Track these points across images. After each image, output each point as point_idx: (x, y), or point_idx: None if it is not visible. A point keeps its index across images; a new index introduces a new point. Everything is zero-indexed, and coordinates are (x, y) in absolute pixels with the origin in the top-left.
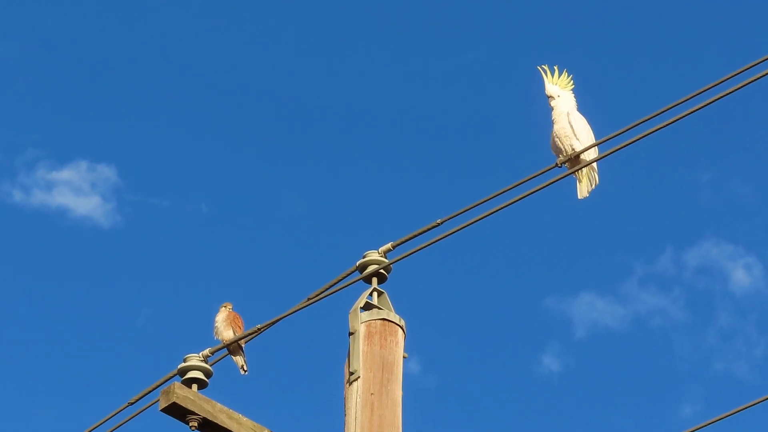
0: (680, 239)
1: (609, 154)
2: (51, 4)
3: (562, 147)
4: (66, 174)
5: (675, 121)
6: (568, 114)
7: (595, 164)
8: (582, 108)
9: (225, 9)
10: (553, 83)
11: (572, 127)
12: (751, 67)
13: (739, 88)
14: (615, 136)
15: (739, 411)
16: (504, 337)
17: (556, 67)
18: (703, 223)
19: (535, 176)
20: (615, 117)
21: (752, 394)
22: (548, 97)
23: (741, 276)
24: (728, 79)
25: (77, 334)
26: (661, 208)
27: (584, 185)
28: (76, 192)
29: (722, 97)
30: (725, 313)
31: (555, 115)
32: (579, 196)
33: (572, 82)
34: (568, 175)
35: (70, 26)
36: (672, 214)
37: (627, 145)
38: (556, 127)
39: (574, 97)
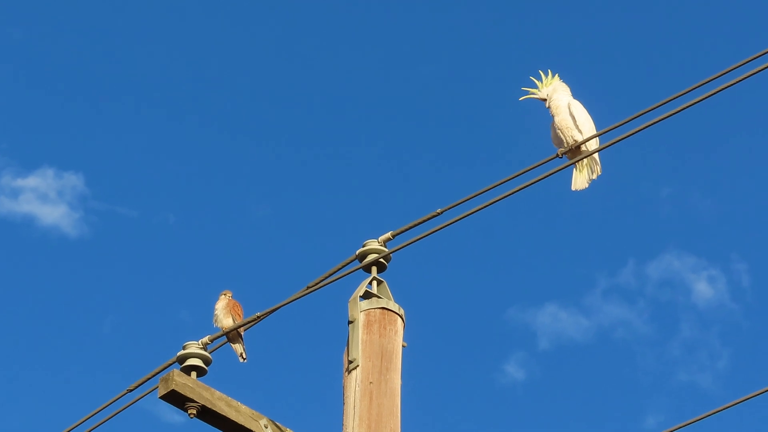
0: (642, 252)
1: (611, 145)
2: (17, 13)
3: (563, 138)
4: (32, 181)
5: (679, 111)
6: (568, 105)
7: (596, 154)
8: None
9: (193, 9)
10: (543, 88)
11: (573, 118)
12: (717, 77)
13: (700, 101)
14: (618, 126)
15: (702, 419)
16: (467, 343)
17: (540, 73)
18: (664, 236)
19: (536, 167)
20: (613, 108)
21: (716, 404)
22: (544, 101)
23: (704, 288)
24: (690, 90)
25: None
26: (622, 221)
27: (584, 175)
28: (42, 199)
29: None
30: (688, 324)
31: (554, 107)
32: (573, 187)
33: (556, 75)
34: (569, 165)
35: (35, 33)
36: (634, 227)
37: (630, 135)
38: (556, 119)
39: (566, 85)
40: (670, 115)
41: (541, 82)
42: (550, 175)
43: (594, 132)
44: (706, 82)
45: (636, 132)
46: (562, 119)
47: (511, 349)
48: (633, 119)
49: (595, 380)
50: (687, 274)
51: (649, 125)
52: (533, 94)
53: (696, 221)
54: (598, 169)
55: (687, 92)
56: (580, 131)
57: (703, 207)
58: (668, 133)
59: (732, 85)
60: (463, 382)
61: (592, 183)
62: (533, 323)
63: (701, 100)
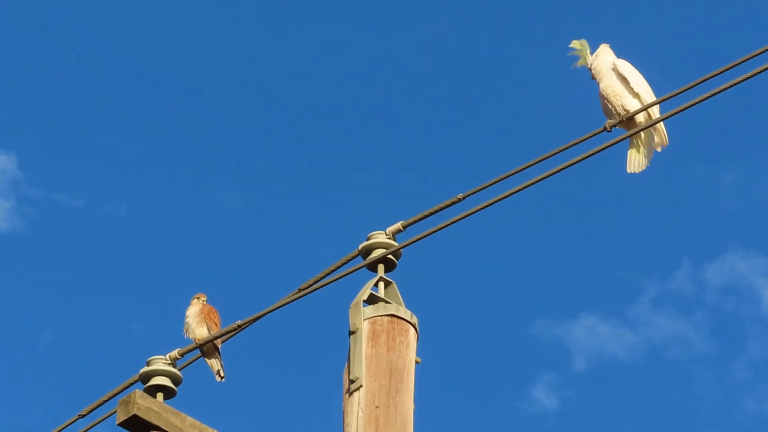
0: (700, 252)
1: (671, 116)
2: None
3: (612, 108)
4: None
5: (748, 78)
6: (614, 65)
7: (660, 123)
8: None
9: None
10: (587, 53)
11: (625, 80)
12: None
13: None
14: (678, 93)
15: None
16: (486, 363)
17: (582, 42)
18: (726, 232)
19: (575, 144)
20: (669, 74)
21: None
22: (590, 70)
23: None
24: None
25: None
26: (676, 214)
27: (641, 154)
28: None
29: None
30: (757, 340)
31: (596, 72)
32: (629, 169)
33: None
34: (619, 141)
35: None
36: (689, 221)
37: (692, 105)
38: (601, 86)
39: (610, 47)
40: (737, 83)
41: (587, 50)
42: (593, 154)
43: (653, 96)
44: None
45: (699, 102)
46: (606, 85)
47: (539, 371)
48: (696, 85)
49: (643, 408)
50: (755, 279)
51: (713, 94)
52: (582, 60)
53: (765, 214)
54: (663, 140)
55: (756, 55)
56: (636, 95)
57: None
58: (732, 107)
59: None
60: (481, 410)
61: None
62: (567, 339)
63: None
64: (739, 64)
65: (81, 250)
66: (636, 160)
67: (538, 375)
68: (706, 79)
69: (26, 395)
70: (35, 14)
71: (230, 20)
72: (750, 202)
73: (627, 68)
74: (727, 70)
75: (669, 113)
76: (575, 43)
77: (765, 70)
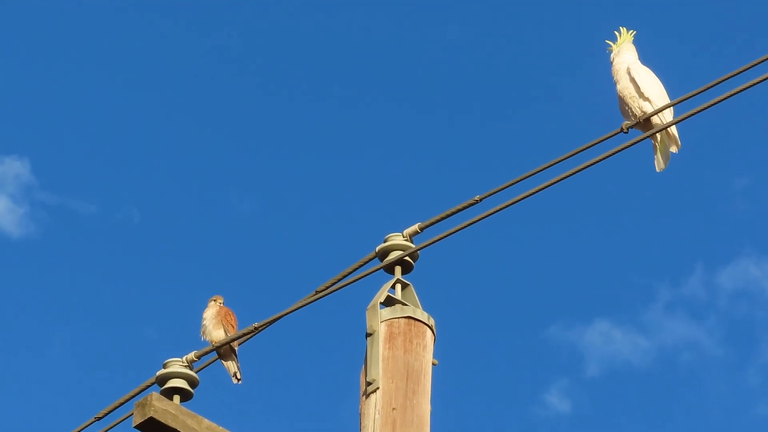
0: (713, 256)
1: (686, 118)
2: None
3: (629, 110)
4: None
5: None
6: (629, 69)
7: (673, 127)
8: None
9: None
10: (614, 49)
11: (636, 84)
12: None
13: None
14: (692, 96)
15: None
16: (499, 367)
17: (616, 33)
18: (739, 237)
19: (595, 144)
20: (686, 77)
21: None
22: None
23: None
24: None
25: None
26: (689, 219)
27: (662, 154)
28: None
29: None
30: None
31: (614, 72)
32: (657, 169)
33: (631, 34)
34: (638, 141)
35: None
36: (702, 226)
37: (706, 108)
38: (618, 87)
39: (635, 47)
40: (749, 87)
41: (615, 43)
42: (611, 155)
43: (666, 99)
44: None
45: (712, 105)
46: (623, 87)
47: (553, 376)
48: (708, 88)
49: (656, 413)
50: (767, 283)
51: (726, 98)
52: (612, 48)
53: None
54: (676, 143)
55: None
56: (647, 99)
57: None
58: (745, 111)
59: None
60: (497, 413)
61: (652, 173)
62: (580, 343)
63: None
64: (749, 68)
65: (94, 255)
66: (660, 160)
67: (552, 380)
68: (718, 83)
69: (42, 399)
70: (47, 20)
71: (239, 22)
72: (762, 207)
73: (640, 72)
74: (738, 74)
75: (678, 118)
76: (621, 30)
77: None
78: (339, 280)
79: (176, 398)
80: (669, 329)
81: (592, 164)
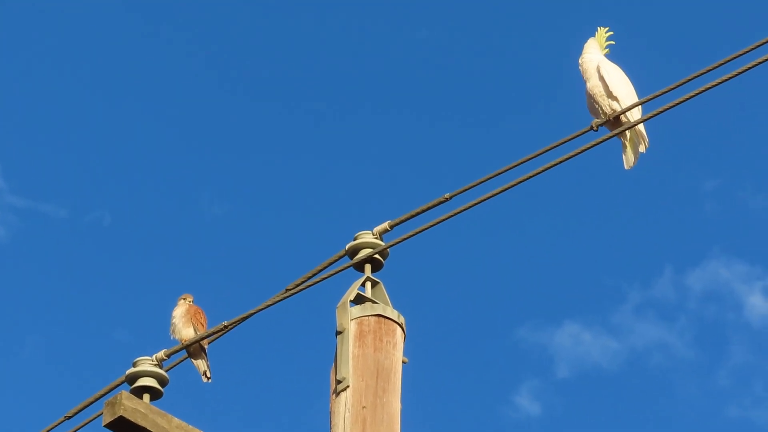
0: (682, 258)
1: (655, 115)
2: None
3: (598, 108)
4: None
5: (729, 78)
6: (598, 67)
7: (641, 126)
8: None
9: None
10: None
11: (605, 82)
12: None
13: (752, 67)
14: (661, 93)
15: None
16: (469, 368)
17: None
18: (708, 238)
19: (565, 142)
20: (656, 74)
21: None
22: (579, 65)
23: (758, 302)
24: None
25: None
26: (658, 220)
27: (630, 152)
28: None
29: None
30: (740, 347)
31: (583, 71)
32: (626, 166)
33: (605, 31)
34: (607, 139)
35: None
36: (672, 228)
37: (679, 103)
38: (588, 85)
39: (596, 41)
40: (718, 84)
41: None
42: (580, 152)
43: (634, 97)
44: (761, 45)
45: (683, 101)
46: (593, 85)
47: (522, 377)
48: (677, 87)
49: (626, 415)
50: (737, 285)
51: (697, 94)
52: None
53: (746, 220)
54: (644, 143)
55: (737, 56)
56: (614, 98)
57: (754, 204)
58: (715, 112)
59: None
60: (467, 412)
61: (622, 173)
62: (550, 345)
63: (754, 66)
64: (717, 67)
65: (65, 258)
66: (629, 157)
67: (522, 381)
68: (686, 82)
69: (12, 399)
70: (13, 23)
71: (208, 26)
72: (731, 209)
73: (609, 70)
74: (706, 72)
75: (646, 116)
76: (599, 30)
77: (743, 72)
78: (309, 278)
79: (146, 397)
80: (639, 331)
81: (561, 161)
